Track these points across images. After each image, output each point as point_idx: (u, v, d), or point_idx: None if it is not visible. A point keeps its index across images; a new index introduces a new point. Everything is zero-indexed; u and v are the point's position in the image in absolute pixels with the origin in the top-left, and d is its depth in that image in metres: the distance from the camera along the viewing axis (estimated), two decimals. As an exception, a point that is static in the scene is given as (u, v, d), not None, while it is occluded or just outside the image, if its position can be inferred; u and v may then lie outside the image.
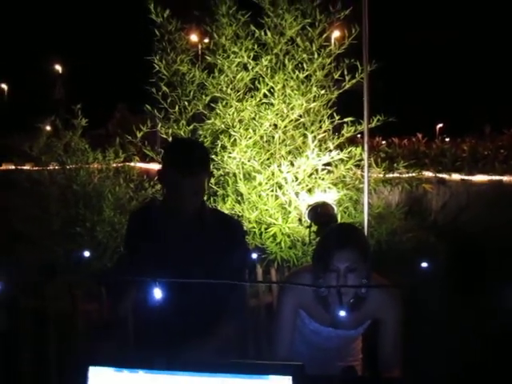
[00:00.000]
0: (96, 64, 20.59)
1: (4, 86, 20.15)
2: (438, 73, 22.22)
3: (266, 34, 4.36)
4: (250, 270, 3.10)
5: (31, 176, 5.16)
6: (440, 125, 19.20)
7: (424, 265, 1.79)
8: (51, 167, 5.15)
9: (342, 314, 1.91)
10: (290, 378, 1.14)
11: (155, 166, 6.21)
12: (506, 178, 5.32)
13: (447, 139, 8.52)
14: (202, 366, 1.20)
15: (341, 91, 4.54)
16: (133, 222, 2.26)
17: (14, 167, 6.26)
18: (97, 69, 20.37)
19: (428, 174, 5.84)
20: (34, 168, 5.55)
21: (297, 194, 4.34)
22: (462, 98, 20.41)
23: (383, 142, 7.42)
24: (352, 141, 4.94)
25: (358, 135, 4.77)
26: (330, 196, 4.14)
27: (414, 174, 5.08)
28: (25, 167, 6.04)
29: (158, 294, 1.79)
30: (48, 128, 5.18)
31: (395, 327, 2.11)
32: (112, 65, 20.37)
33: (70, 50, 20.11)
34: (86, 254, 2.04)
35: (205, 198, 2.20)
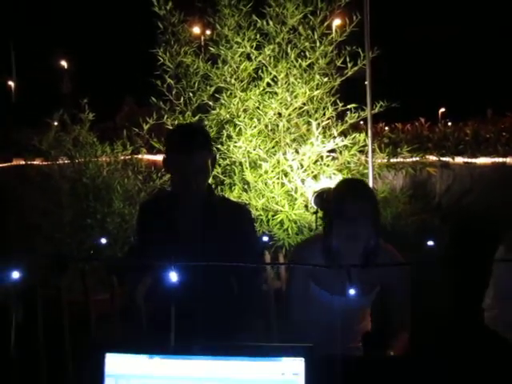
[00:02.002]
0: (101, 58, 20.61)
1: (11, 83, 20.21)
2: (439, 58, 22.13)
3: (268, 23, 4.40)
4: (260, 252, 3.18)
5: (42, 170, 5.25)
6: (442, 109, 19.12)
7: (430, 243, 1.85)
8: (60, 161, 5.23)
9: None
10: (303, 359, 1.19)
11: (162, 157, 6.30)
12: (508, 160, 5.37)
13: (449, 123, 8.52)
14: (216, 350, 1.25)
15: (343, 78, 4.59)
16: (143, 213, 2.32)
17: (24, 162, 6.35)
18: (102, 63, 20.41)
19: (431, 157, 5.89)
20: (44, 163, 5.64)
21: (302, 180, 4.42)
22: (464, 82, 20.33)
23: (386, 128, 7.46)
24: (355, 127, 4.99)
25: (361, 122, 4.82)
26: (336, 182, 4.20)
27: (417, 159, 5.14)
28: (35, 162, 6.13)
29: (171, 278, 1.87)
30: (56, 123, 5.25)
31: (405, 289, 2.16)
32: (117, 58, 20.38)
33: (76, 45, 20.14)
34: (103, 241, 2.11)
35: (213, 187, 2.26)
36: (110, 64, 20.55)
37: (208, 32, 5.06)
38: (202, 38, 5.08)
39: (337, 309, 2.12)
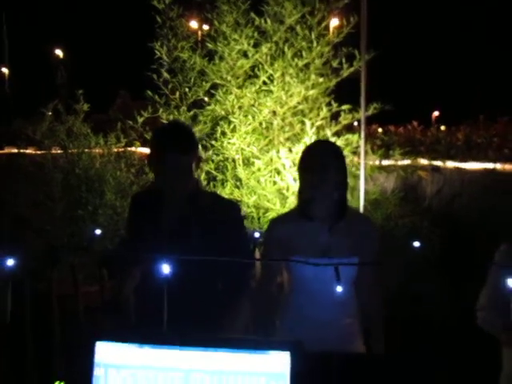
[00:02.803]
0: (97, 50, 20.54)
1: (5, 70, 20.04)
2: (435, 62, 22.29)
3: (265, 21, 4.42)
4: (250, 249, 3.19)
5: (34, 160, 5.24)
6: (436, 113, 19.23)
7: (417, 244, 1.89)
8: (54, 151, 5.23)
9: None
10: (288, 353, 1.21)
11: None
12: (498, 166, 5.42)
13: (442, 127, 8.58)
14: (204, 341, 1.27)
15: (339, 79, 4.62)
16: (134, 205, 2.32)
17: (16, 151, 6.32)
18: (98, 54, 20.34)
19: (423, 161, 5.95)
20: (37, 152, 5.62)
21: (295, 179, 4.44)
22: (459, 86, 20.50)
23: (379, 130, 7.50)
24: (349, 128, 5.02)
25: (355, 123, 4.86)
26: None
27: (409, 162, 5.18)
28: (27, 151, 6.11)
29: (159, 272, 1.88)
30: (50, 113, 5.24)
31: (374, 258, 2.23)
32: (114, 50, 20.33)
33: (72, 35, 20.05)
34: (98, 231, 2.12)
35: (201, 183, 2.25)
36: (105, 56, 20.49)
37: (206, 27, 5.06)
38: (200, 33, 5.08)
39: (321, 278, 2.07)
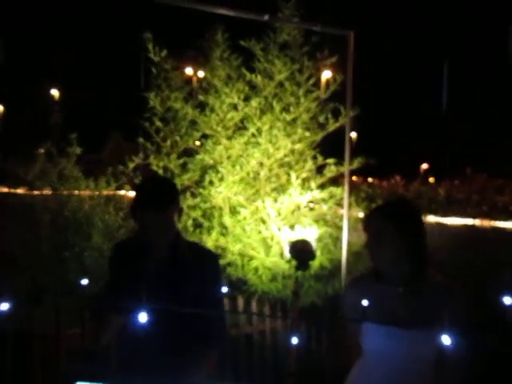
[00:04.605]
0: (93, 91, 20.91)
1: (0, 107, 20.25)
2: (421, 116, 22.99)
3: (256, 77, 4.63)
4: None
5: (24, 200, 5.30)
6: (425, 165, 19.67)
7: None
8: (44, 192, 5.29)
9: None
10: None
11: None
12: (477, 222, 5.58)
13: (431, 179, 8.80)
14: None
15: (324, 134, 4.80)
16: (115, 253, 2.35)
17: (7, 190, 6.38)
18: (93, 97, 20.70)
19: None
20: (27, 192, 5.68)
21: (279, 228, 4.55)
22: (446, 141, 21.06)
23: (364, 183, 7.70)
24: (334, 179, 5.17)
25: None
26: (311, 232, 4.36)
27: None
28: (18, 191, 6.17)
29: (137, 320, 1.94)
30: (42, 151, 5.32)
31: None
32: (109, 94, 20.71)
33: (69, 78, 20.48)
34: (84, 281, 2.17)
35: (180, 233, 2.33)
36: (100, 99, 20.83)
37: (199, 74, 5.24)
38: (193, 83, 5.26)
39: (387, 343, 1.96)
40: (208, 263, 2.26)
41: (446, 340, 1.45)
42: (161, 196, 2.12)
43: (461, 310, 1.97)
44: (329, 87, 4.78)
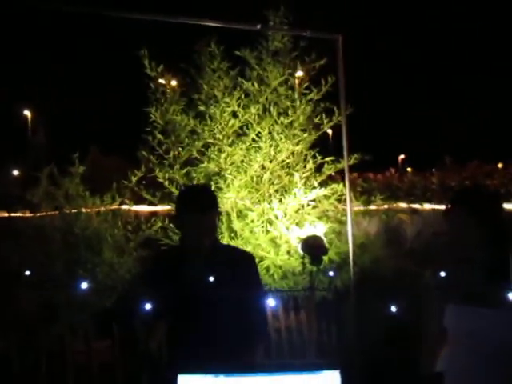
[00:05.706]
0: (91, 111, 21.06)
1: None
2: (400, 110, 23.53)
3: (253, 85, 4.80)
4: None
5: (32, 223, 5.38)
6: (402, 156, 20.08)
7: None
8: (45, 213, 5.36)
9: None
10: (338, 371, 1.42)
11: (145, 208, 6.51)
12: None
13: (409, 169, 9.04)
14: (266, 366, 1.50)
15: (319, 134, 4.99)
16: (154, 263, 2.49)
17: (7, 214, 6.44)
18: (94, 114, 20.83)
19: (402, 204, 6.33)
20: (28, 215, 5.75)
21: (287, 228, 4.72)
22: (424, 132, 21.61)
23: (359, 179, 7.92)
24: (330, 177, 5.36)
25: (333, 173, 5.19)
26: (320, 229, 4.54)
27: (389, 206, 5.54)
28: (18, 214, 6.24)
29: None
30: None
31: None
32: (108, 112, 20.86)
33: (64, 95, 20.59)
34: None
35: (218, 236, 2.48)
36: (99, 117, 20.92)
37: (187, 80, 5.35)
38: (190, 96, 5.39)
39: (472, 327, 1.97)
40: (246, 264, 2.40)
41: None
42: (205, 199, 2.27)
43: None
44: (321, 89, 4.96)
